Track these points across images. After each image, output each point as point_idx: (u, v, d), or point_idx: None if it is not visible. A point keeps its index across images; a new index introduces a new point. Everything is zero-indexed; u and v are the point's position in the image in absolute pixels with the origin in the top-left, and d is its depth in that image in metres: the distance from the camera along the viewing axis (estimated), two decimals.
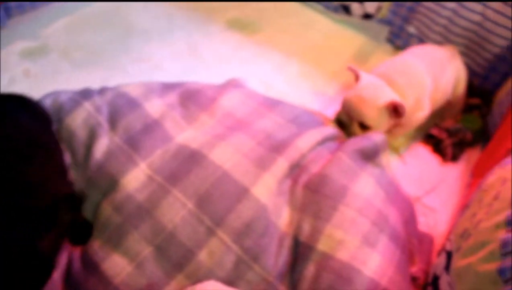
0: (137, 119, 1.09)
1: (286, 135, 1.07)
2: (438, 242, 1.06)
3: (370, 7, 1.56)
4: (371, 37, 1.60)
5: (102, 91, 1.17)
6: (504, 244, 0.67)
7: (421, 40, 1.48)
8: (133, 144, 1.03)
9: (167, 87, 1.21)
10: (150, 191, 0.95)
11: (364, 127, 1.14)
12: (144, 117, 1.09)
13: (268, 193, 0.95)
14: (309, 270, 0.89)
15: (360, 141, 1.08)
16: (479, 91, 1.36)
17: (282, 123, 1.12)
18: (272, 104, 1.19)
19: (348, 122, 1.15)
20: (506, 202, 0.75)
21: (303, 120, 1.15)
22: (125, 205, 0.93)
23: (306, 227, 0.93)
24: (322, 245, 0.90)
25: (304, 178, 1.01)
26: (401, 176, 1.18)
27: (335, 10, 1.67)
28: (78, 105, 1.11)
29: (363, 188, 0.99)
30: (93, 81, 1.34)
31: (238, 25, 1.62)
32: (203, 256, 0.88)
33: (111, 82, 1.31)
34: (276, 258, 0.91)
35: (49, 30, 1.51)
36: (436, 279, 0.89)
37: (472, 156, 1.25)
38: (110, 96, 1.15)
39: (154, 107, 1.12)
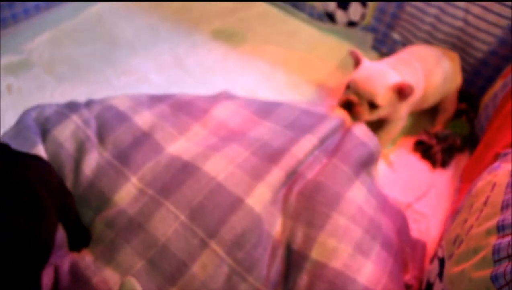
0: (127, 132, 1.07)
1: (281, 143, 1.06)
2: (430, 247, 1.06)
3: (354, 15, 1.57)
4: (356, 44, 1.60)
5: (89, 104, 1.16)
6: (496, 250, 0.67)
7: (406, 46, 1.49)
8: (123, 159, 1.02)
9: (156, 99, 1.19)
10: (142, 204, 0.94)
11: (373, 106, 1.16)
12: (133, 130, 1.08)
13: (262, 203, 0.95)
14: (303, 279, 0.88)
15: (357, 147, 1.08)
16: (465, 96, 1.37)
17: (278, 130, 1.11)
18: (267, 110, 1.18)
19: (357, 102, 1.16)
20: (496, 208, 0.75)
21: (300, 122, 1.13)
22: (117, 220, 0.92)
23: (299, 235, 0.93)
24: (315, 254, 0.90)
25: (299, 185, 1.00)
26: (391, 183, 1.19)
27: (320, 18, 1.68)
28: (66, 118, 1.09)
29: (356, 195, 0.99)
30: (78, 95, 1.32)
31: (223, 36, 1.62)
32: (196, 268, 0.87)
33: (97, 96, 1.29)
34: (269, 268, 0.90)
35: (32, 44, 1.48)
36: (429, 286, 0.89)
37: (460, 161, 1.26)
38: (97, 109, 1.13)
39: (144, 119, 1.11)
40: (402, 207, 1.13)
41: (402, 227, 1.07)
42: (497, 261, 0.66)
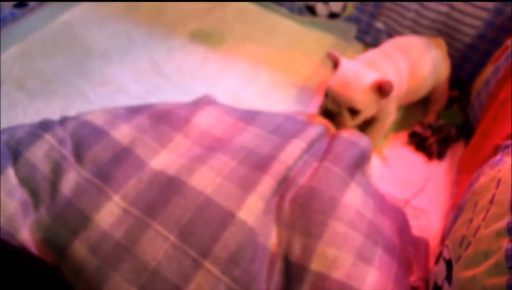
0: (105, 149, 1.01)
1: (269, 150, 1.00)
2: (433, 244, 1.03)
3: (335, 6, 1.52)
4: (340, 36, 1.56)
5: (63, 121, 1.09)
6: (510, 255, 0.63)
7: (390, 35, 1.45)
8: (104, 177, 0.95)
9: (134, 111, 1.13)
10: (128, 226, 0.88)
11: (354, 113, 1.10)
12: (112, 146, 1.01)
13: (255, 215, 0.89)
14: None
15: (347, 148, 1.03)
16: (456, 82, 1.33)
17: (264, 136, 1.06)
18: (251, 117, 1.12)
19: (337, 111, 1.11)
20: (504, 207, 0.71)
21: (285, 128, 1.08)
22: (101, 245, 0.86)
23: (297, 246, 0.88)
24: (315, 265, 0.85)
25: (291, 192, 0.95)
26: (387, 179, 1.15)
27: (300, 12, 1.62)
28: (38, 138, 1.02)
29: (352, 198, 0.94)
30: (53, 111, 1.26)
31: (201, 37, 1.56)
32: None
33: (72, 111, 1.24)
34: (268, 283, 0.85)
35: (0, 60, 1.41)
36: (437, 289, 0.85)
37: (456, 151, 1.22)
38: (72, 126, 1.07)
39: (122, 133, 1.05)
40: (401, 204, 1.09)
41: (403, 226, 1.03)
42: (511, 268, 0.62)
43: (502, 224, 0.68)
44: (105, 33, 1.55)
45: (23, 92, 1.33)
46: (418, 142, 1.21)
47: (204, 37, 1.56)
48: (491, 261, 0.67)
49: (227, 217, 0.88)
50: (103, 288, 0.82)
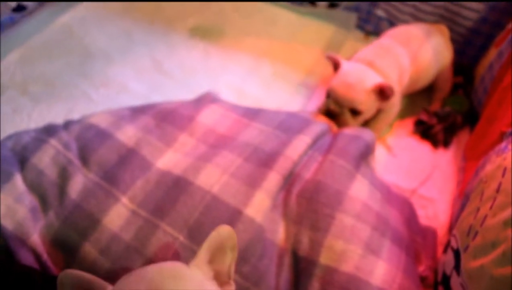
0: (111, 151, 1.01)
1: (274, 146, 1.01)
2: (440, 233, 1.02)
3: None
4: (340, 25, 1.54)
5: (68, 125, 1.10)
6: None
7: (392, 22, 1.43)
8: (111, 179, 0.96)
9: (137, 111, 1.13)
10: (137, 227, 0.88)
11: (356, 113, 1.11)
12: (117, 148, 1.02)
13: (262, 211, 0.90)
14: (314, 286, 0.83)
15: (351, 141, 1.03)
16: (459, 68, 1.32)
17: (269, 132, 1.06)
18: (254, 113, 1.13)
19: (338, 111, 1.12)
20: (510, 196, 0.71)
21: (289, 124, 1.08)
22: (111, 247, 0.86)
23: (305, 240, 0.88)
24: (323, 258, 0.85)
25: (297, 187, 0.95)
26: (392, 169, 1.14)
27: (300, 2, 1.61)
28: (44, 144, 1.03)
29: (359, 191, 0.94)
30: (57, 114, 1.26)
31: (201, 32, 1.55)
32: None
33: (76, 112, 1.24)
34: (277, 279, 0.86)
35: (1, 66, 1.41)
36: (446, 278, 0.85)
37: (461, 138, 1.21)
38: (77, 130, 1.07)
39: (127, 134, 1.05)
40: (407, 194, 1.09)
41: (410, 216, 1.03)
42: None
43: (508, 213, 0.68)
44: (105, 33, 1.54)
45: (26, 97, 1.33)
46: (424, 131, 1.21)
47: (204, 32, 1.55)
48: (498, 251, 0.67)
49: (235, 215, 0.88)
50: None
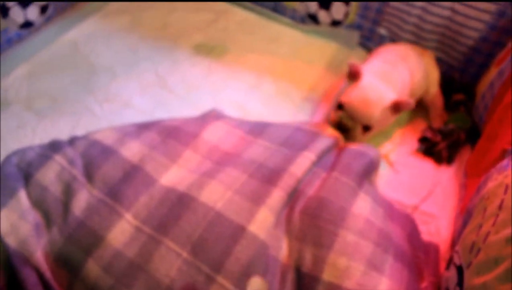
0: (115, 168, 1.02)
1: (278, 162, 1.01)
2: (443, 249, 1.02)
3: (338, 13, 1.53)
4: (343, 43, 1.56)
5: (73, 141, 1.10)
6: None
7: (394, 40, 1.45)
8: (115, 195, 0.96)
9: (142, 128, 1.14)
10: (140, 244, 0.89)
11: (367, 129, 1.12)
12: (122, 165, 1.02)
13: (266, 228, 0.90)
14: None
15: (356, 158, 1.04)
16: (461, 86, 1.33)
17: (273, 149, 1.07)
18: (260, 129, 1.14)
19: (351, 126, 1.12)
20: None
21: (294, 140, 1.09)
22: (114, 264, 0.87)
23: (308, 257, 0.88)
24: (327, 275, 0.85)
25: (300, 203, 0.95)
26: (394, 184, 1.15)
27: (302, 20, 1.63)
28: (49, 160, 1.04)
29: (362, 207, 0.95)
30: (61, 129, 1.27)
31: (205, 49, 1.57)
32: None
33: (80, 128, 1.25)
34: None
35: (7, 81, 1.42)
36: None
37: (463, 154, 1.22)
38: (82, 146, 1.08)
39: (132, 151, 1.05)
40: (409, 210, 1.09)
41: (412, 232, 1.03)
42: None
43: (510, 230, 0.69)
44: (111, 49, 1.56)
45: (31, 112, 1.34)
46: (428, 148, 1.21)
47: (208, 49, 1.57)
48: (501, 268, 0.67)
49: (238, 231, 0.88)
50: None
